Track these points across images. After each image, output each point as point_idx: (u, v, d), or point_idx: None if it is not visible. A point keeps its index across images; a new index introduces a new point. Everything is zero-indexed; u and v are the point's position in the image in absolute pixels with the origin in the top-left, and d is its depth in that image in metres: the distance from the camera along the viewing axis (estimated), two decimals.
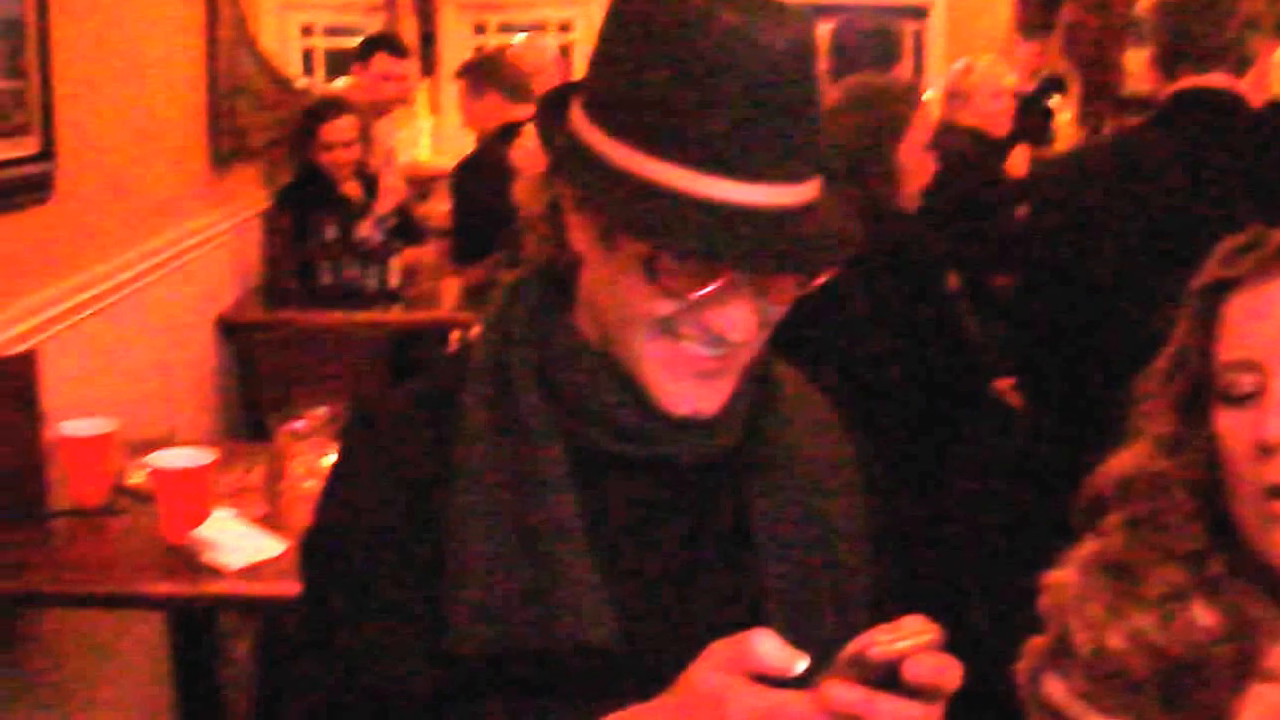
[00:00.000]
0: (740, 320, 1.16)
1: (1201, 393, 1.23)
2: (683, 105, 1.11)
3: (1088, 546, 1.28)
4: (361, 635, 1.23)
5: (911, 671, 0.98)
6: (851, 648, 1.01)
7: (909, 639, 0.99)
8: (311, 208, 4.71)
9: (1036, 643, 1.29)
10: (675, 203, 1.12)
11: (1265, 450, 1.15)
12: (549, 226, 1.28)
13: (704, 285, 1.14)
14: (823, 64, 3.75)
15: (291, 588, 2.09)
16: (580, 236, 1.22)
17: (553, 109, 1.26)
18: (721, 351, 1.19)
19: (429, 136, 8.89)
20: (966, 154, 4.46)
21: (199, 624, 2.78)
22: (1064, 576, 1.28)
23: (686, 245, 1.12)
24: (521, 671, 1.19)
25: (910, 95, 3.21)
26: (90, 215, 3.13)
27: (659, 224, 1.12)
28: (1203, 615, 1.19)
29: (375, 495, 1.25)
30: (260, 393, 4.03)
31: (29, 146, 2.75)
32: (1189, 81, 2.58)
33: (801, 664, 1.02)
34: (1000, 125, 5.19)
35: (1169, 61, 2.60)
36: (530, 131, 1.31)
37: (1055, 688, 1.24)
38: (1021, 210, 5.03)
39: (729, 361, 1.21)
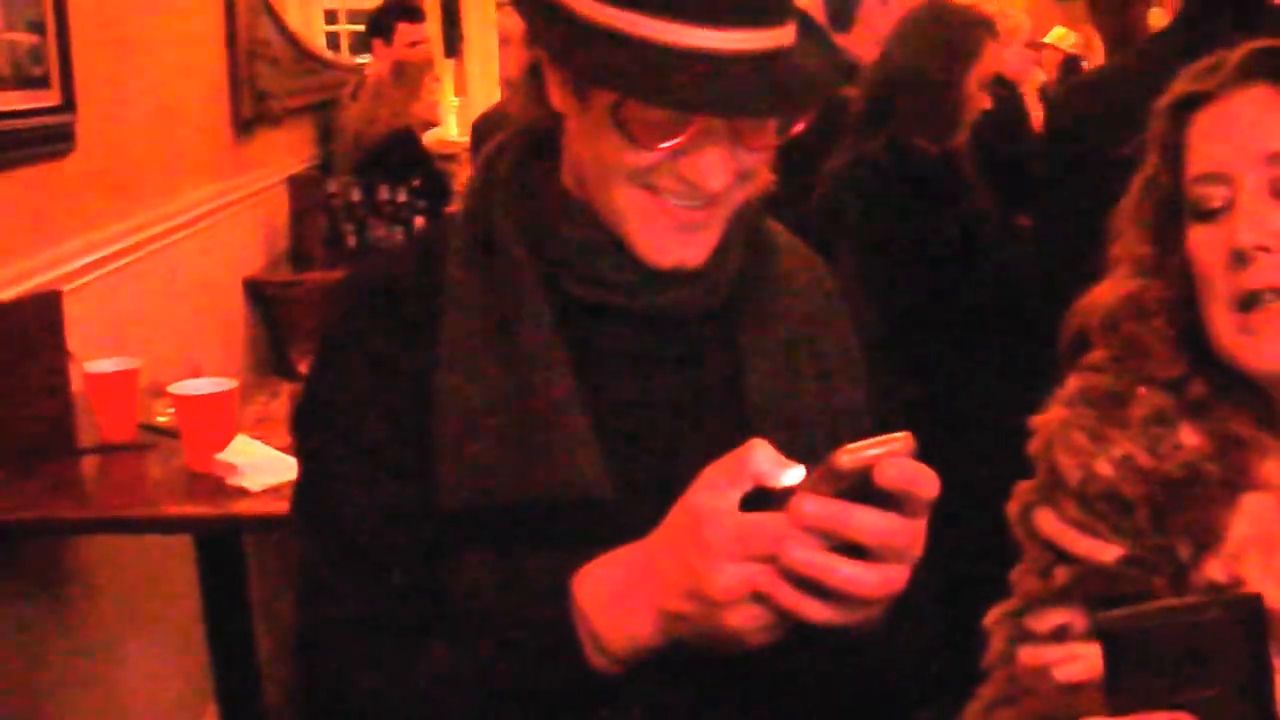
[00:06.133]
0: (714, 168, 1.16)
1: (1173, 213, 1.23)
2: None
3: (1071, 384, 1.28)
4: (354, 493, 1.25)
5: (883, 476, 0.97)
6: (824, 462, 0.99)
7: (879, 447, 0.98)
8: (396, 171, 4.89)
9: (1025, 485, 1.29)
10: (635, 50, 1.12)
11: (1240, 258, 1.16)
12: (531, 86, 1.28)
13: (673, 135, 1.14)
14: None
15: None
16: (557, 93, 1.23)
17: None
18: (700, 203, 1.19)
19: (455, 116, 8.92)
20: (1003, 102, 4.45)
21: (227, 547, 2.83)
22: (1050, 415, 1.27)
23: (639, 90, 1.12)
24: (513, 526, 1.20)
25: (988, 22, 3.17)
26: (113, 171, 3.19)
27: (616, 71, 1.12)
28: (1189, 437, 1.19)
29: (365, 355, 1.26)
30: (286, 346, 4.08)
31: (50, 99, 2.80)
32: None
33: (795, 473, 1.02)
34: (1028, 76, 5.24)
35: None
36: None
37: (1046, 519, 1.24)
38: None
39: (710, 213, 1.21)
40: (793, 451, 1.08)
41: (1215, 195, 1.19)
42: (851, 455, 0.97)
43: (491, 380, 1.22)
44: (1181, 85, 1.23)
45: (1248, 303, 1.16)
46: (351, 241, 4.83)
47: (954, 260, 3.04)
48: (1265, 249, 1.15)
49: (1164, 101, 1.24)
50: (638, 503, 1.17)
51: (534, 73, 1.27)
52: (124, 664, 3.00)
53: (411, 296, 1.28)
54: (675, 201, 1.19)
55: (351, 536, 1.25)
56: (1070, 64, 6.34)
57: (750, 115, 1.17)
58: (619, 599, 1.10)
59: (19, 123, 2.65)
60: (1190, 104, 1.22)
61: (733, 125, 1.16)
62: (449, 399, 1.22)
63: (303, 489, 1.33)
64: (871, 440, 0.99)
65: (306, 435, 1.33)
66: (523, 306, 1.24)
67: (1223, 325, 1.19)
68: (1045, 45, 5.71)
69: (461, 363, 1.23)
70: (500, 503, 1.20)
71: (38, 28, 2.76)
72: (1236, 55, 1.21)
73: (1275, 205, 1.16)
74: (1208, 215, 1.20)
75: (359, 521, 1.25)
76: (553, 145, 1.30)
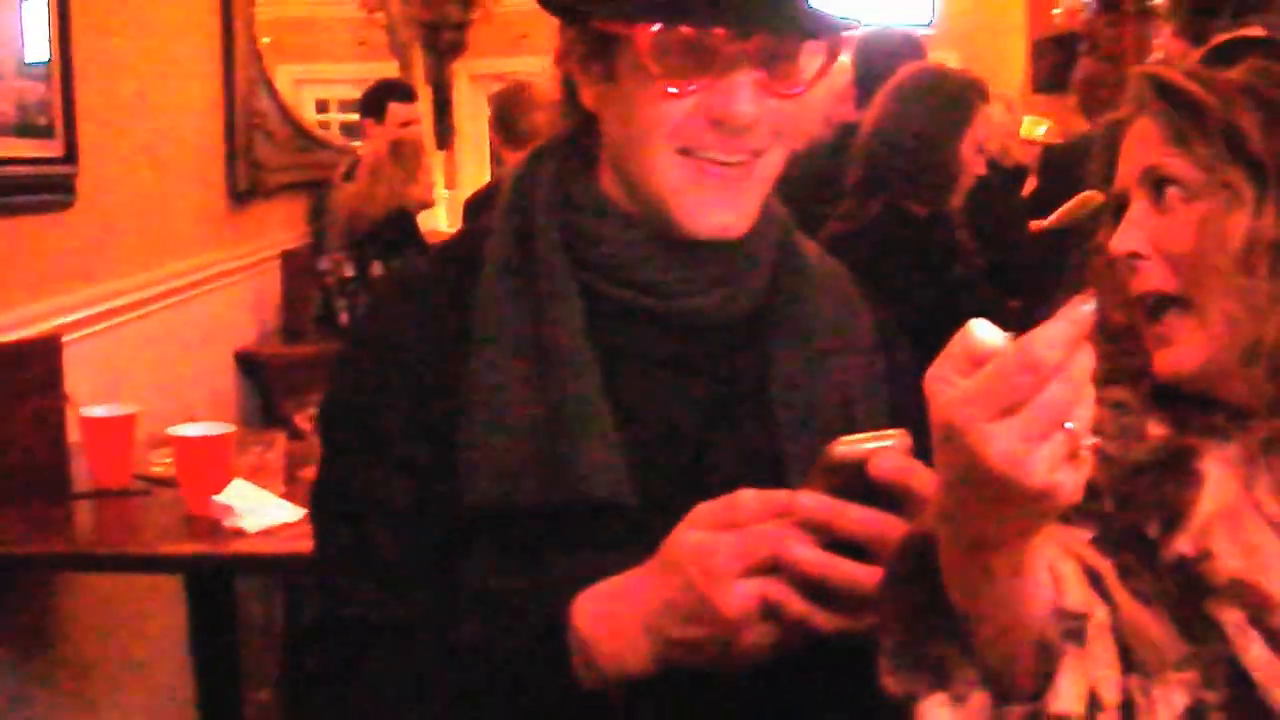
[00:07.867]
0: (743, 97, 1.17)
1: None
2: None
3: None
4: (372, 489, 1.24)
5: (876, 468, 0.99)
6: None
7: (874, 441, 1.00)
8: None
9: None
10: None
11: (1125, 265, 1.20)
12: (565, 100, 1.31)
13: (700, 73, 1.17)
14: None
15: (310, 548, 2.12)
16: (589, 91, 1.25)
17: None
18: (738, 157, 1.20)
19: (446, 208, 8.98)
20: (1000, 185, 4.49)
21: (218, 588, 2.79)
22: None
23: (655, 12, 1.15)
24: (537, 529, 1.19)
25: (979, 87, 3.16)
26: (112, 228, 3.21)
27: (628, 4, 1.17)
28: (1155, 428, 1.21)
29: (390, 352, 1.26)
30: (278, 407, 4.06)
31: (53, 149, 2.82)
32: (1223, 37, 2.44)
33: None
34: (1027, 156, 5.35)
35: (1194, 26, 2.49)
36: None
37: None
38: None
39: (747, 169, 1.22)
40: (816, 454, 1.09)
41: (1121, 201, 1.24)
42: (847, 446, 1.00)
43: (520, 381, 1.22)
44: (1123, 109, 1.29)
45: (1136, 302, 1.21)
46: (344, 318, 4.80)
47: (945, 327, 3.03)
48: (1138, 255, 1.19)
49: (1107, 121, 1.30)
50: (661, 509, 1.16)
51: (567, 85, 1.30)
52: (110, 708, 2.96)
53: (442, 297, 1.28)
54: (714, 157, 1.20)
55: (365, 533, 1.24)
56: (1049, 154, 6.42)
57: (764, 29, 1.18)
58: (616, 627, 1.11)
59: (22, 169, 2.66)
60: (1121, 125, 1.28)
61: (757, 61, 1.18)
62: (477, 397, 1.22)
63: (321, 484, 1.32)
64: (867, 434, 1.01)
65: (328, 430, 1.33)
66: (555, 309, 1.24)
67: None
68: (1021, 140, 5.78)
69: (492, 362, 1.23)
70: (522, 503, 1.19)
71: (44, 78, 2.78)
72: (1140, 82, 1.26)
73: (1154, 213, 1.20)
74: (1118, 220, 1.25)
75: (373, 518, 1.24)
76: (588, 154, 1.31)
